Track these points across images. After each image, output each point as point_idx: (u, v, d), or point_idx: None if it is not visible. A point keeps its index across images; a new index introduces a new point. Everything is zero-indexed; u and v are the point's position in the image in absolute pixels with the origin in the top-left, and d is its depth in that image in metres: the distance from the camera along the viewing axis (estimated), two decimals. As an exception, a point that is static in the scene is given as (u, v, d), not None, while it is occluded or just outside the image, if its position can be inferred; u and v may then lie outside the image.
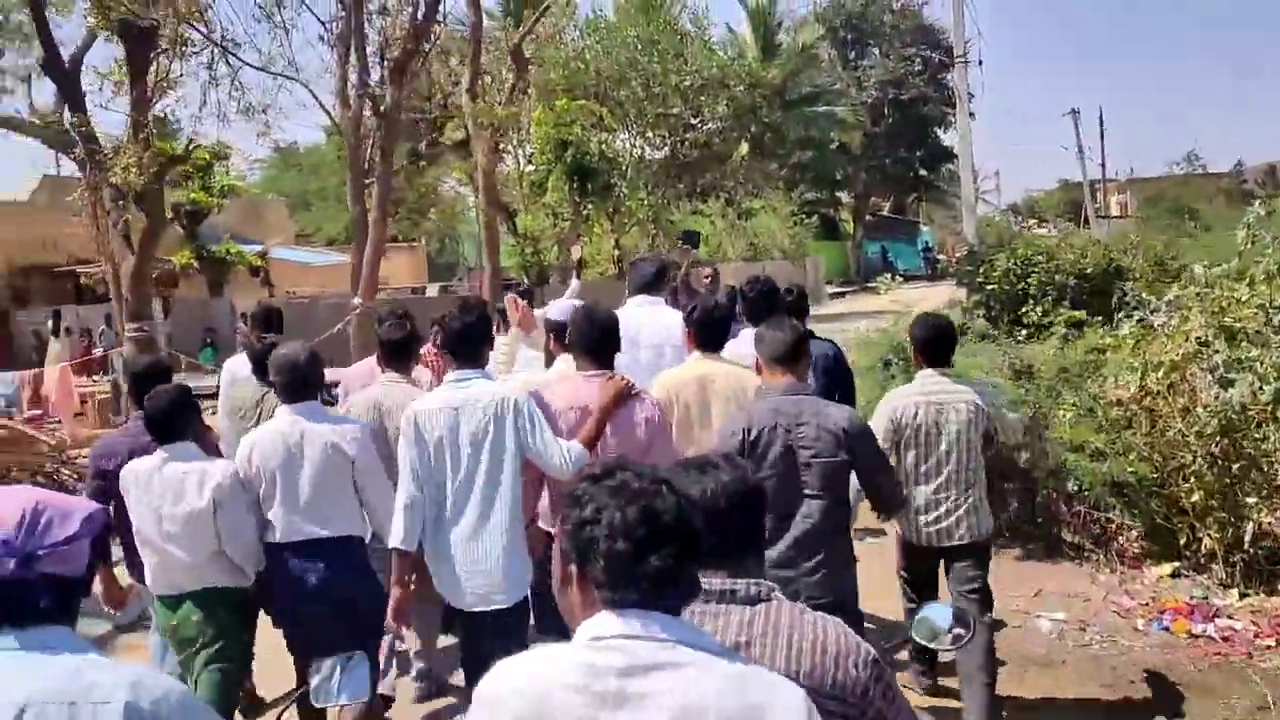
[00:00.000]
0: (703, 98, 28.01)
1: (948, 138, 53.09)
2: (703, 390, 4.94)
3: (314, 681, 3.75)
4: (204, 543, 4.49)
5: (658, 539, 1.85)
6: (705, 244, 37.58)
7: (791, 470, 4.10)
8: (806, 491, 4.11)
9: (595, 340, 4.63)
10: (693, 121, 28.75)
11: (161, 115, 15.28)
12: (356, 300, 15.92)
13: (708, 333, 5.07)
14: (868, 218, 56.22)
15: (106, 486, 4.91)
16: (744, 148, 30.31)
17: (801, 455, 4.10)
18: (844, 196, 55.03)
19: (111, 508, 4.83)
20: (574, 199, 23.58)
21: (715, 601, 2.27)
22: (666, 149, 28.68)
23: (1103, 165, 55.44)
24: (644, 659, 1.83)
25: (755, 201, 36.46)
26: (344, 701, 3.86)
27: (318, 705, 3.67)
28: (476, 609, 4.51)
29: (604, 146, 24.11)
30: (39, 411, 13.71)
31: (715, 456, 2.50)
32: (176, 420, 4.55)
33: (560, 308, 5.91)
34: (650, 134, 28.06)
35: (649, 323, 5.83)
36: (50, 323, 23.39)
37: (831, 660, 2.25)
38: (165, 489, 4.50)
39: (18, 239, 26.32)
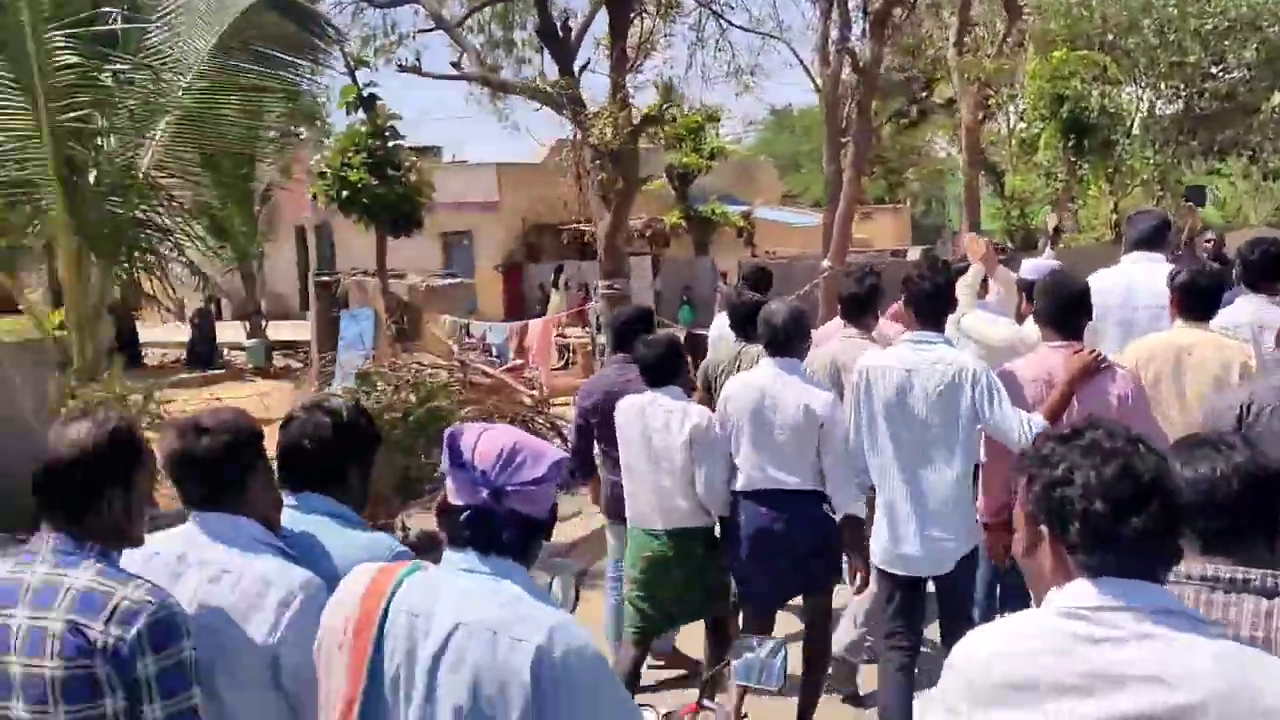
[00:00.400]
0: (1227, 42, 24.65)
1: None
2: (1178, 362, 4.64)
3: (744, 657, 3.72)
4: (681, 476, 4.83)
5: (1138, 499, 1.77)
6: (1222, 208, 33.62)
7: None
8: None
9: (1060, 310, 4.46)
10: (1213, 70, 25.40)
11: (666, 82, 15.78)
12: (825, 263, 15.65)
13: (1192, 299, 4.73)
14: None
15: (586, 426, 5.60)
16: (1276, 98, 26.36)
17: None
18: None
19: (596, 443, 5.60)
20: (1068, 158, 21.65)
21: (1224, 590, 2.14)
22: (1179, 102, 25.50)
23: None
24: (1123, 630, 1.75)
25: None
26: (768, 685, 3.81)
27: (740, 682, 3.68)
28: (912, 574, 4.53)
29: (1106, 100, 21.78)
30: (520, 361, 14.72)
31: (1230, 436, 2.39)
32: (667, 365, 4.95)
33: (1033, 266, 5.76)
34: (1161, 85, 25.12)
35: (1145, 281, 5.33)
36: (553, 276, 25.19)
37: None
38: (653, 423, 4.88)
39: (533, 198, 28.62)
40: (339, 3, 16.60)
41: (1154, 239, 5.67)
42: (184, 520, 2.71)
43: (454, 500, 2.12)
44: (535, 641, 1.99)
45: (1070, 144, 21.34)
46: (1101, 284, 4.98)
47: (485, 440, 2.10)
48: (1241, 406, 3.84)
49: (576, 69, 14.74)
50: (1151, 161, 24.86)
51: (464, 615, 2.04)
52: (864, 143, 16.60)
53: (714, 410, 5.00)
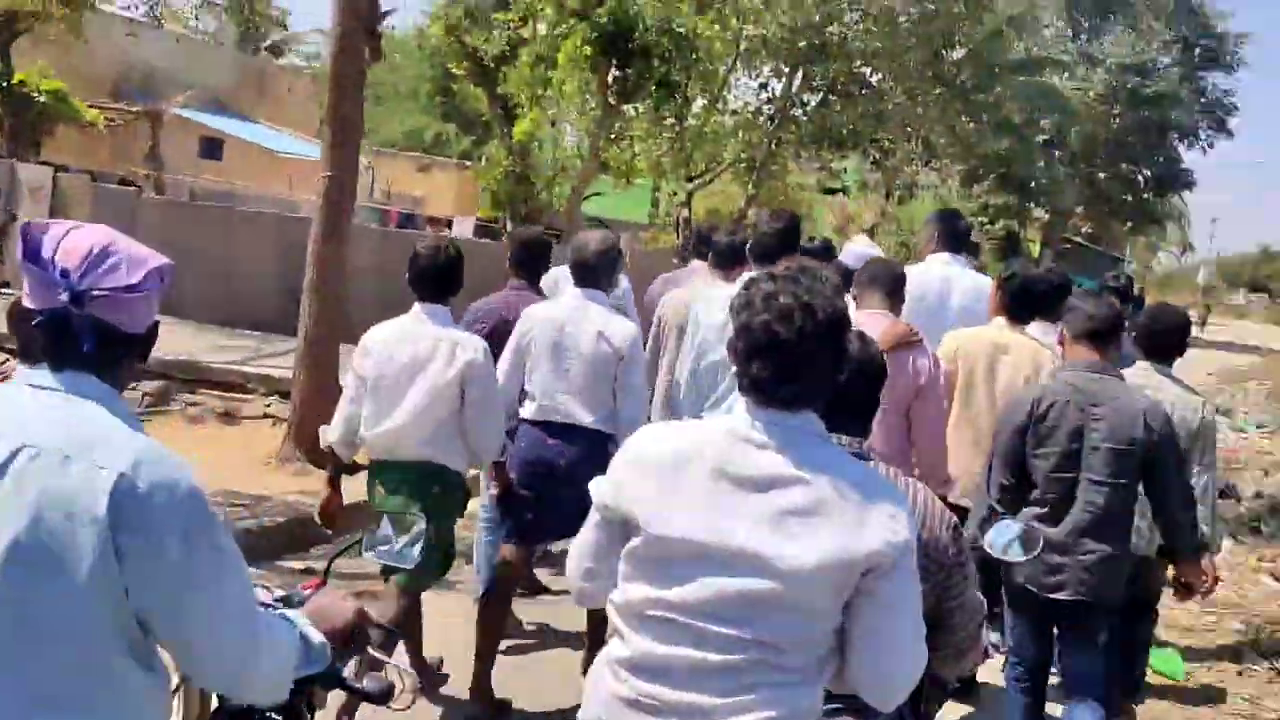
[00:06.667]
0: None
1: (1191, 157, 41.56)
2: (993, 357, 4.97)
3: (372, 533, 3.53)
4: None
5: (766, 351, 2.10)
6: (838, 232, 27.71)
7: (1077, 452, 4.13)
8: (1091, 477, 4.11)
9: (893, 281, 4.68)
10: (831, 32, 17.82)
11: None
12: None
13: (1019, 303, 5.08)
14: (1062, 243, 43.84)
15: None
16: (900, 93, 19.11)
17: (1091, 438, 4.10)
18: (1035, 209, 42.67)
19: None
20: (606, 93, 13.87)
21: None
22: (801, 41, 17.10)
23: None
24: (773, 441, 2.11)
25: (926, 172, 24.96)
26: (402, 564, 3.73)
27: (367, 554, 3.44)
28: None
29: (674, 14, 13.62)
30: None
31: (849, 332, 2.49)
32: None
33: (856, 253, 6.24)
34: (776, 7, 16.63)
35: (958, 281, 5.66)
36: None
37: (919, 518, 2.62)
38: (415, 349, 4.49)
39: None
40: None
41: (964, 241, 6.02)
42: None
43: (29, 304, 1.83)
44: (117, 470, 1.74)
45: (608, 67, 13.51)
46: (915, 281, 5.11)
47: (73, 237, 1.83)
48: (1032, 401, 4.18)
49: None
50: (740, 136, 17.84)
51: (28, 436, 1.76)
52: None
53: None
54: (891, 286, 4.62)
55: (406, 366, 4.45)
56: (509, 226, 16.85)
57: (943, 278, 5.56)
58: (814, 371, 2.10)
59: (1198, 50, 39.32)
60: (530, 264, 5.58)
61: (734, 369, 2.15)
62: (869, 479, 2.14)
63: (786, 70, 18.47)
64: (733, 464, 2.09)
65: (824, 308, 2.08)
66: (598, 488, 2.29)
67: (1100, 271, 34.54)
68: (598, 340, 4.71)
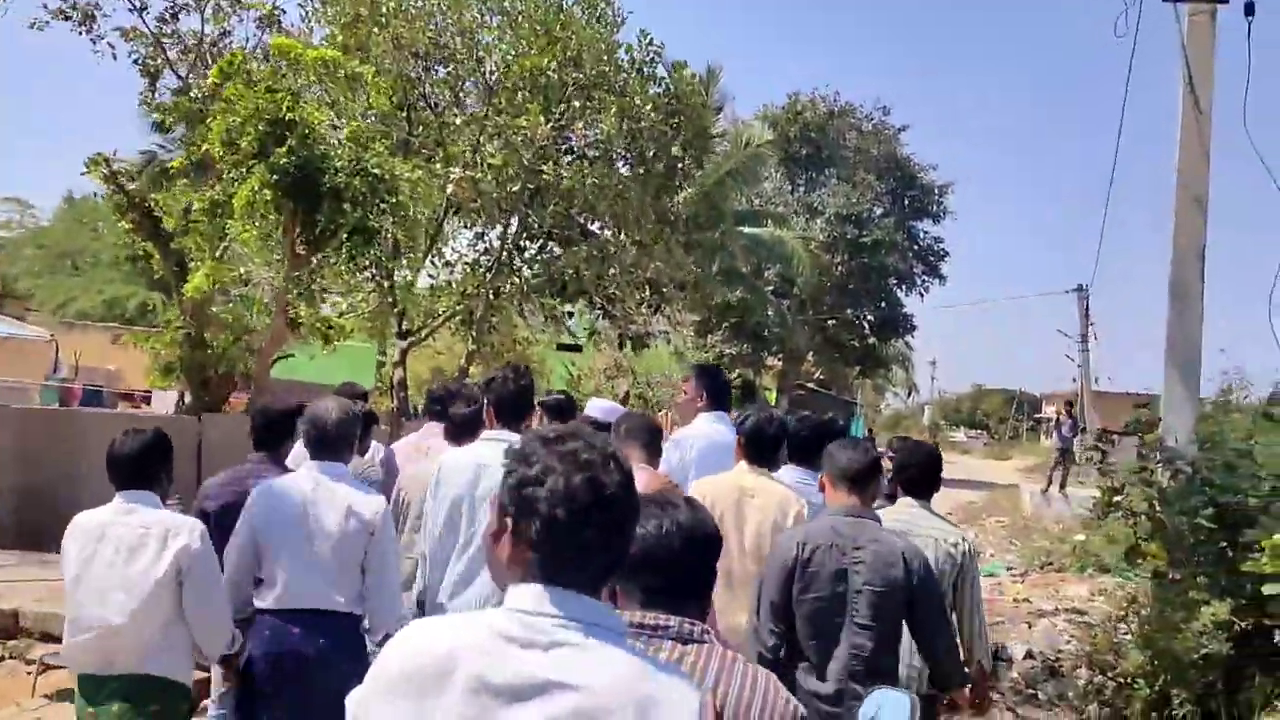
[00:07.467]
0: (578, 104, 16.36)
1: (910, 302, 43.22)
2: (739, 503, 4.92)
3: None
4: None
5: (593, 512, 1.83)
6: (574, 387, 26.57)
7: (842, 596, 4.06)
8: (857, 620, 4.04)
9: (651, 437, 4.93)
10: (566, 141, 16.95)
11: None
12: None
13: (756, 447, 5.04)
14: (796, 390, 44.40)
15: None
16: (627, 245, 18.22)
17: (854, 581, 4.05)
18: (769, 357, 43.23)
19: None
20: (294, 242, 12.14)
21: (647, 636, 2.27)
22: (515, 185, 15.83)
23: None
24: (550, 637, 1.81)
25: (657, 320, 23.98)
26: None
27: None
28: None
29: (368, 154, 12.04)
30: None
31: (676, 497, 2.51)
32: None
33: (602, 407, 6.15)
34: (485, 151, 15.54)
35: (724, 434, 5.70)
36: None
37: (758, 711, 2.31)
38: (120, 540, 4.18)
39: None
40: None
41: (728, 397, 6.18)
42: None
43: None
44: None
45: (293, 212, 11.82)
46: (694, 440, 5.51)
47: None
48: (797, 545, 4.09)
49: None
50: (453, 286, 16.43)
51: None
52: None
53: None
54: (648, 439, 4.81)
55: (111, 562, 4.09)
56: (187, 398, 14.67)
57: (727, 443, 5.66)
58: (621, 539, 1.88)
59: (907, 200, 41.10)
60: (271, 438, 5.27)
61: (507, 551, 1.87)
62: (656, 678, 1.82)
63: (502, 217, 17.33)
64: (494, 670, 1.78)
65: (622, 460, 1.92)
66: (350, 700, 1.94)
67: (837, 415, 34.75)
68: (346, 516, 4.45)
